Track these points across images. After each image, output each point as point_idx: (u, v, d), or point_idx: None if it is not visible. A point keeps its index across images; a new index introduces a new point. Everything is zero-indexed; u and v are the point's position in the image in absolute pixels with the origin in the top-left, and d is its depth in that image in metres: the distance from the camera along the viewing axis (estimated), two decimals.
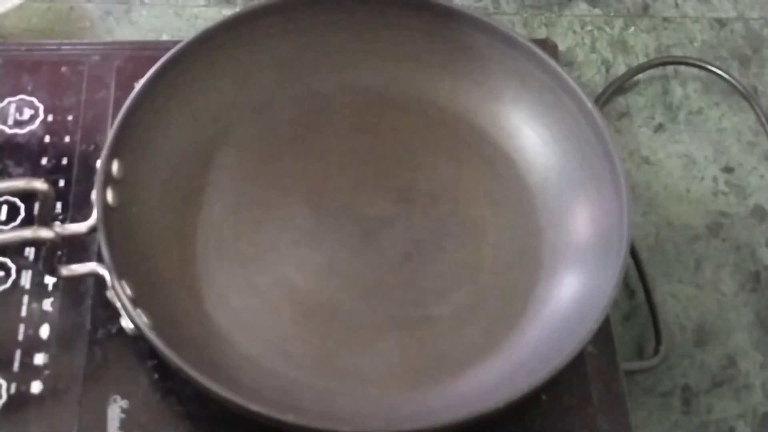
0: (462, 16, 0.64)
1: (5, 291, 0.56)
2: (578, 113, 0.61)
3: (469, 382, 0.55)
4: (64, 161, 0.62)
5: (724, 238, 0.71)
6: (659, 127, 0.76)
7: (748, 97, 0.73)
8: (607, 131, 0.59)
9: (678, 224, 0.71)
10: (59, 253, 0.52)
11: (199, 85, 0.62)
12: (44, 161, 0.62)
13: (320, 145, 0.64)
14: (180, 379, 0.49)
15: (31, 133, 0.63)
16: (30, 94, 0.64)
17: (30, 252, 0.58)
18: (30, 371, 0.54)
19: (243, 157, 0.63)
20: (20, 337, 0.55)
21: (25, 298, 0.56)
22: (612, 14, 0.81)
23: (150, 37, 0.74)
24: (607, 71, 0.77)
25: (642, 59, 0.78)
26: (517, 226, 0.62)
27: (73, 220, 0.54)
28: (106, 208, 0.53)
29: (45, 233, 0.50)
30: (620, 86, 0.76)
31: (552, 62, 0.62)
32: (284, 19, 0.63)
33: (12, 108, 0.64)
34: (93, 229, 0.53)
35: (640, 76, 0.77)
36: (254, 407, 0.47)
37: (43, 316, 0.56)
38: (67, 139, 0.63)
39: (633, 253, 0.65)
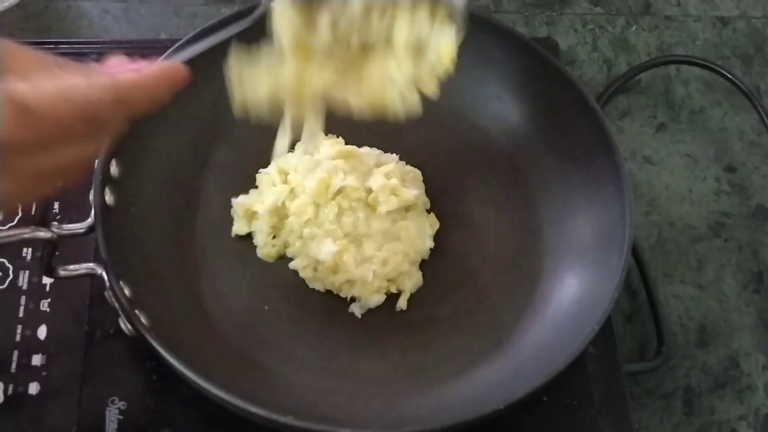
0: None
1: (2, 291, 0.56)
2: (580, 112, 0.60)
3: (469, 383, 0.55)
4: None
5: (727, 238, 0.70)
6: (661, 127, 0.75)
7: (751, 96, 0.73)
8: (608, 130, 0.59)
9: (680, 224, 0.71)
10: (57, 253, 0.51)
11: (198, 85, 0.61)
12: None
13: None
14: (178, 380, 0.49)
15: None
16: None
17: (27, 252, 0.58)
18: (28, 372, 0.53)
19: (242, 156, 0.62)
20: (18, 338, 0.55)
21: (23, 299, 0.56)
22: (614, 13, 0.81)
23: (148, 35, 0.74)
24: (609, 70, 0.77)
25: (644, 58, 0.78)
26: (518, 225, 0.62)
27: (71, 220, 0.54)
28: (104, 208, 0.53)
29: (43, 233, 0.50)
30: (622, 85, 0.75)
31: (553, 61, 0.62)
32: None
33: None
34: (91, 229, 0.53)
35: (642, 75, 0.77)
36: (253, 408, 0.47)
37: (41, 317, 0.55)
38: None
39: (635, 253, 0.65)
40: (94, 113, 0.40)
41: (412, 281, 0.58)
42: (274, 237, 0.59)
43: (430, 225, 0.61)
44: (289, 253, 0.59)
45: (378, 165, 0.61)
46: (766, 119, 0.72)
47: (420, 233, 0.59)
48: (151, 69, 0.43)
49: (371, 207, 0.59)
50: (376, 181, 0.59)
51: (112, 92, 0.40)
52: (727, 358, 0.65)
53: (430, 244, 0.60)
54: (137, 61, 0.45)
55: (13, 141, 0.38)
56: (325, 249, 0.56)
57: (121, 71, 0.43)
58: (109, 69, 0.44)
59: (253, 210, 0.59)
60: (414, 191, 0.60)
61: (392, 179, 0.59)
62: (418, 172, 0.62)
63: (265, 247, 0.59)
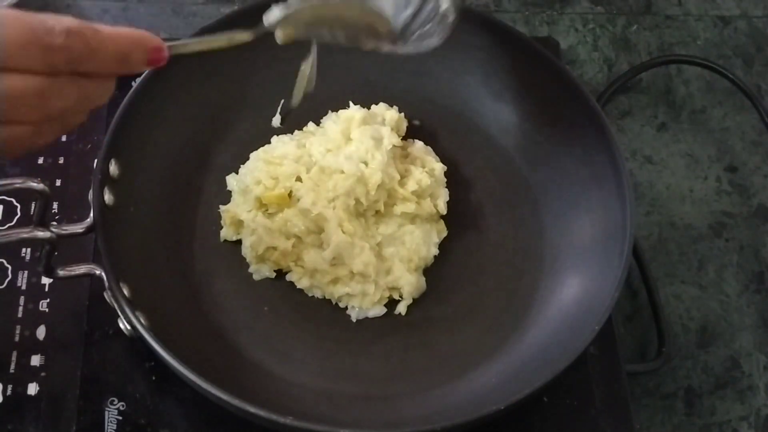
0: (464, 13, 0.63)
1: (1, 292, 0.56)
2: (580, 112, 0.60)
3: (470, 384, 0.55)
4: (61, 160, 0.61)
5: (728, 238, 0.70)
6: (662, 126, 0.75)
7: (752, 95, 0.73)
8: (609, 130, 0.59)
9: (681, 224, 0.70)
10: (56, 253, 0.51)
11: (197, 84, 0.62)
12: (40, 160, 0.61)
13: None
14: (178, 380, 0.49)
15: None
16: None
17: (26, 252, 0.58)
18: (26, 373, 0.53)
19: (242, 156, 0.62)
20: (16, 338, 0.55)
21: (22, 299, 0.56)
22: (614, 12, 0.80)
23: None
24: (610, 70, 0.77)
25: (644, 57, 0.78)
26: (519, 225, 0.62)
27: (70, 220, 0.54)
28: (103, 207, 0.53)
29: (42, 233, 0.50)
30: (622, 85, 0.75)
31: (554, 60, 0.62)
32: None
33: None
34: (90, 229, 0.52)
35: (643, 74, 0.77)
36: (253, 409, 0.47)
37: (40, 318, 0.55)
38: (63, 138, 0.62)
39: (635, 253, 0.65)
40: (47, 38, 0.38)
41: (414, 287, 0.58)
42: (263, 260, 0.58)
43: (437, 232, 0.60)
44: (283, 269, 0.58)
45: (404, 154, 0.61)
46: (767, 119, 0.72)
47: (426, 240, 0.59)
48: (126, 29, 0.42)
49: (381, 210, 0.58)
50: (412, 180, 0.58)
51: (70, 23, 0.39)
52: (728, 358, 0.65)
53: (435, 251, 0.59)
54: None
55: None
56: (322, 256, 0.56)
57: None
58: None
59: (240, 218, 0.58)
60: (444, 200, 0.60)
61: (429, 179, 0.58)
62: (443, 167, 0.61)
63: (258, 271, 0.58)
